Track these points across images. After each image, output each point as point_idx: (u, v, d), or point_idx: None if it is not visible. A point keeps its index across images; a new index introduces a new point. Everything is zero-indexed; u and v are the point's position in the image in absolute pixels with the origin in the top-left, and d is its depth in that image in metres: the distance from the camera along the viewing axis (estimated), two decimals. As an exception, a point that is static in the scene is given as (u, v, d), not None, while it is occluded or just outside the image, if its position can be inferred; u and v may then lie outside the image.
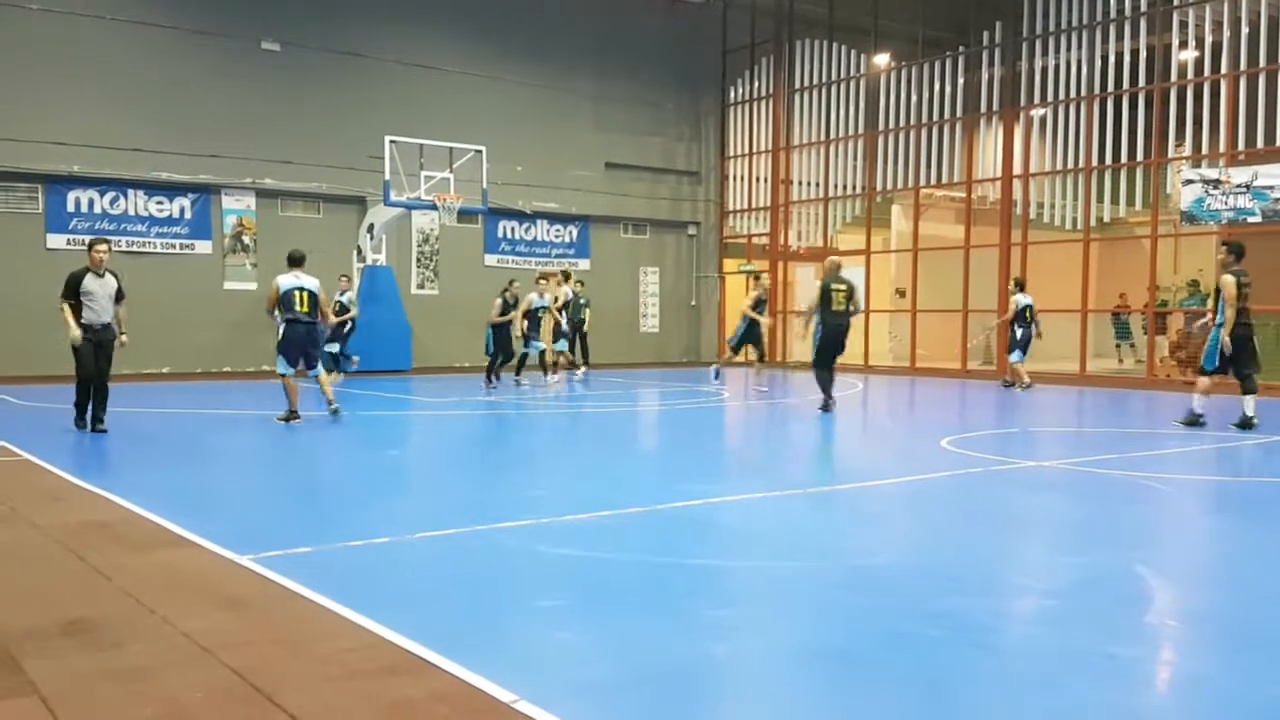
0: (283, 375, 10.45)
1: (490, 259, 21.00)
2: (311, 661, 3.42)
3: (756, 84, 23.17)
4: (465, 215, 19.02)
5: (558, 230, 21.85)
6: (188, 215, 17.94)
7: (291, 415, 10.30)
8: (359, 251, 18.39)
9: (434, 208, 17.39)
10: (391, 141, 16.80)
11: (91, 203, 17.10)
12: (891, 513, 6.39)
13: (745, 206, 23.61)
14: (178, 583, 4.44)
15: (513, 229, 21.25)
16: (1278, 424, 10.82)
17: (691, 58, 23.03)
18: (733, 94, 23.68)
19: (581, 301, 18.45)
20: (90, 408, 9.44)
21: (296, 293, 10.30)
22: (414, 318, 18.84)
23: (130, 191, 17.25)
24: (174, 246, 17.62)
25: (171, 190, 17.68)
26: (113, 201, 17.16)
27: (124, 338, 9.58)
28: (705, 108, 23.55)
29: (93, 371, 9.32)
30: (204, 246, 18.06)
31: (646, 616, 4.01)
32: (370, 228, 18.24)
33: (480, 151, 17.71)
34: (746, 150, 23.45)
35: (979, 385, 17.62)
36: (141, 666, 3.36)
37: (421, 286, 20.16)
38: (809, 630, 3.96)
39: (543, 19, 20.91)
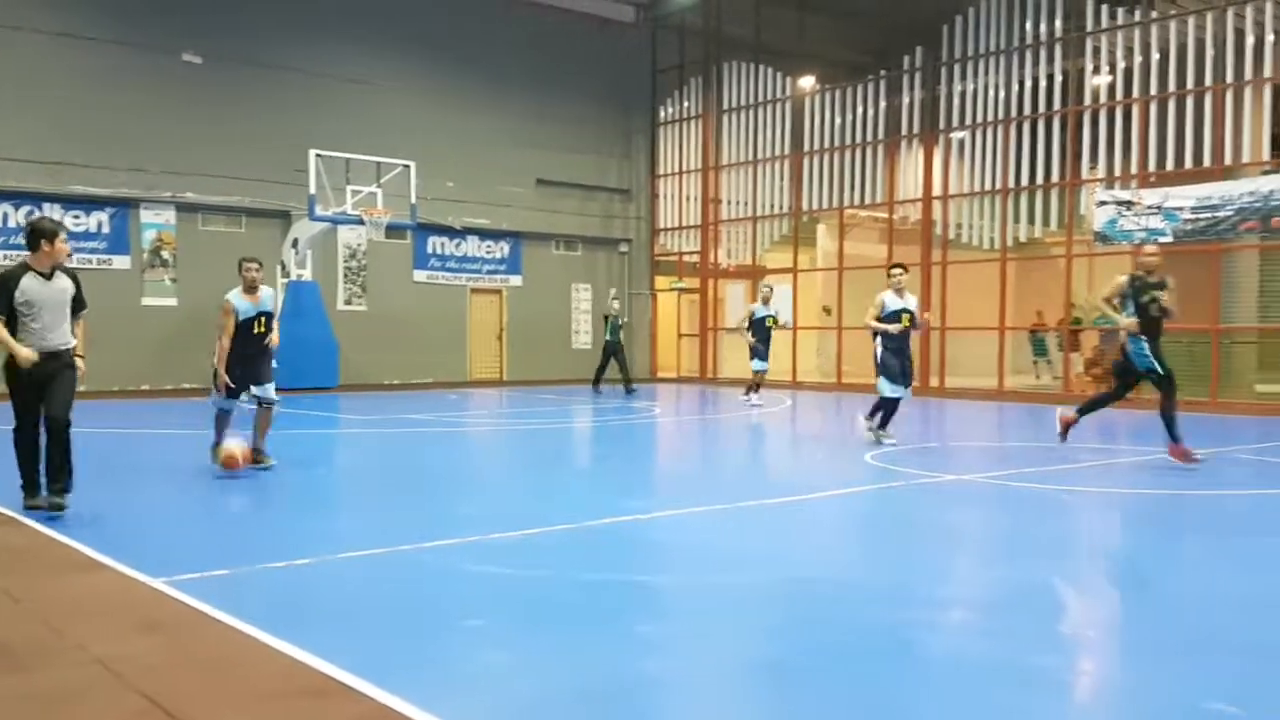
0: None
1: (420, 274, 20.81)
2: (227, 686, 3.35)
3: (686, 104, 23.41)
4: (394, 230, 18.83)
5: (489, 246, 21.75)
6: (105, 230, 17.46)
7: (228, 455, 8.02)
8: (283, 266, 18.09)
9: (361, 222, 17.19)
10: (316, 155, 16.56)
11: (5, 216, 16.55)
12: (818, 527, 6.48)
13: (676, 224, 23.78)
14: (91, 607, 4.31)
15: (443, 244, 21.09)
16: (1194, 438, 11.19)
17: (623, 77, 23.18)
18: (663, 113, 23.88)
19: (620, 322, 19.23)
20: (44, 470, 6.38)
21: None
22: (341, 334, 18.56)
23: (45, 205, 16.71)
24: (90, 261, 17.08)
25: (89, 204, 17.20)
26: (27, 215, 16.63)
27: (82, 364, 6.57)
28: (636, 126, 23.70)
29: (34, 418, 6.35)
30: (122, 262, 17.59)
31: (576, 634, 4.00)
32: (294, 242, 17.95)
33: (409, 166, 17.57)
34: (677, 169, 23.66)
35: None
36: (52, 692, 3.26)
37: (349, 302, 19.88)
38: (741, 645, 4.00)
39: (474, 35, 20.86)
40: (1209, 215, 15.37)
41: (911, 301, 10.48)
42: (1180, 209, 15.68)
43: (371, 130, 18.93)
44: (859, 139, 20.23)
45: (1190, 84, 15.73)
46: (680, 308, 24.81)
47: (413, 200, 17.62)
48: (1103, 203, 16.61)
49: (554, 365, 22.08)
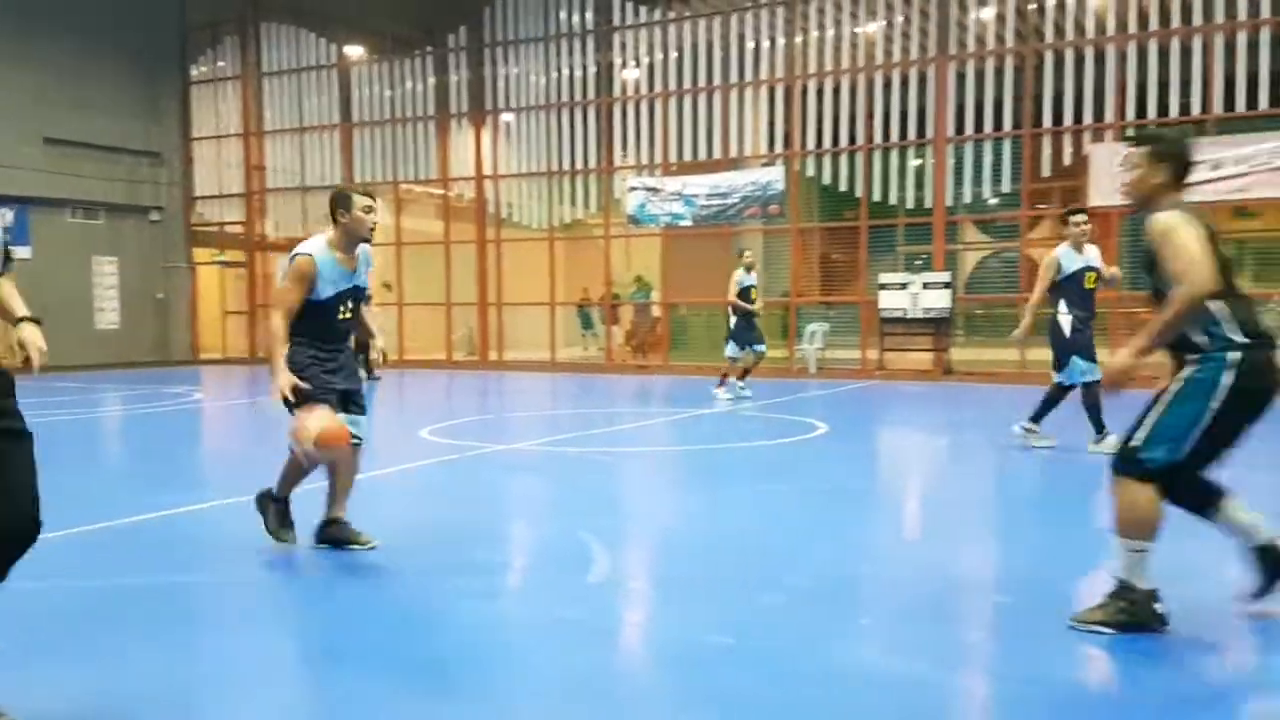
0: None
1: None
2: None
3: (221, 64, 21.84)
4: None
5: (-17, 214, 18.74)
6: None
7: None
8: None
9: None
10: None
11: None
12: (374, 504, 6.49)
13: (216, 193, 22.15)
14: None
15: (-80, 211, 17.82)
16: (698, 397, 12.70)
17: (150, 30, 21.01)
18: (195, 72, 22.07)
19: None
20: None
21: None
22: None
23: None
24: None
25: None
26: None
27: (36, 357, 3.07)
28: (165, 86, 21.64)
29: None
30: None
31: (75, 652, 3.70)
32: None
33: None
34: (215, 132, 22.01)
35: (464, 375, 18.40)
36: None
37: None
38: (286, 633, 3.94)
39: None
40: (720, 202, 17.43)
41: (1094, 255, 8.00)
42: (697, 195, 17.61)
43: None
44: (410, 113, 20.20)
45: (703, 82, 17.64)
46: (225, 283, 23.22)
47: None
48: (634, 188, 18.17)
49: (74, 350, 19.63)
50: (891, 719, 3.08)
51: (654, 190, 18.01)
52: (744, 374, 12.99)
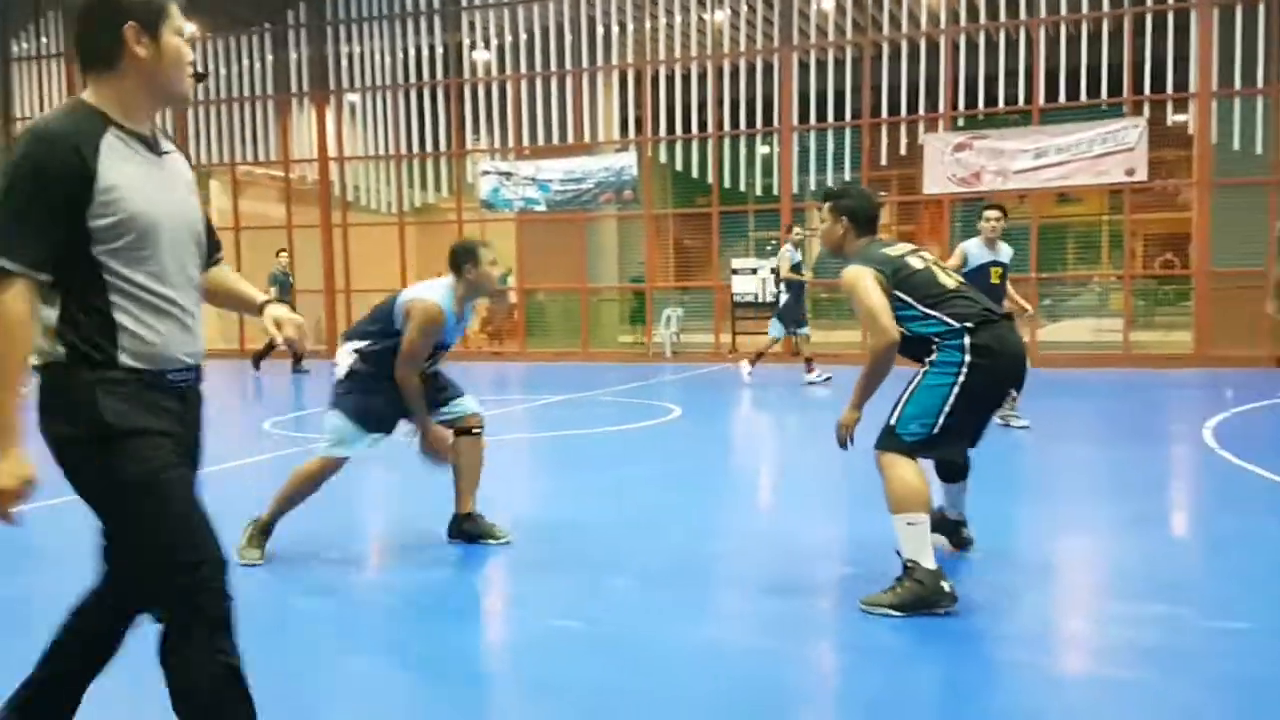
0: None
1: None
2: None
3: (44, 40, 20.39)
4: None
5: None
6: None
7: None
8: None
9: None
10: None
11: None
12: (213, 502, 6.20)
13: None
14: None
15: None
16: (568, 385, 12.66)
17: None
18: (16, 50, 20.55)
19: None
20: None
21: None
22: None
23: None
24: None
25: None
26: None
27: (292, 331, 2.65)
28: (-24, 59, 20.08)
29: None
30: None
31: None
32: None
33: None
34: (38, 113, 20.54)
35: (311, 365, 17.78)
36: None
37: None
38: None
39: None
40: (575, 187, 17.37)
41: (1006, 252, 8.12)
42: (551, 180, 17.50)
43: None
44: (249, 93, 19.34)
45: (554, 65, 17.52)
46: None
47: None
48: (486, 172, 17.91)
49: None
50: (740, 695, 3.14)
51: (507, 175, 17.81)
52: (758, 357, 12.87)
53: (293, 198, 19.55)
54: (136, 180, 2.16)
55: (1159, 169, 16.05)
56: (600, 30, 17.30)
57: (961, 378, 3.85)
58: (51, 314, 2.13)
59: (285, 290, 15.55)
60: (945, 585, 3.77)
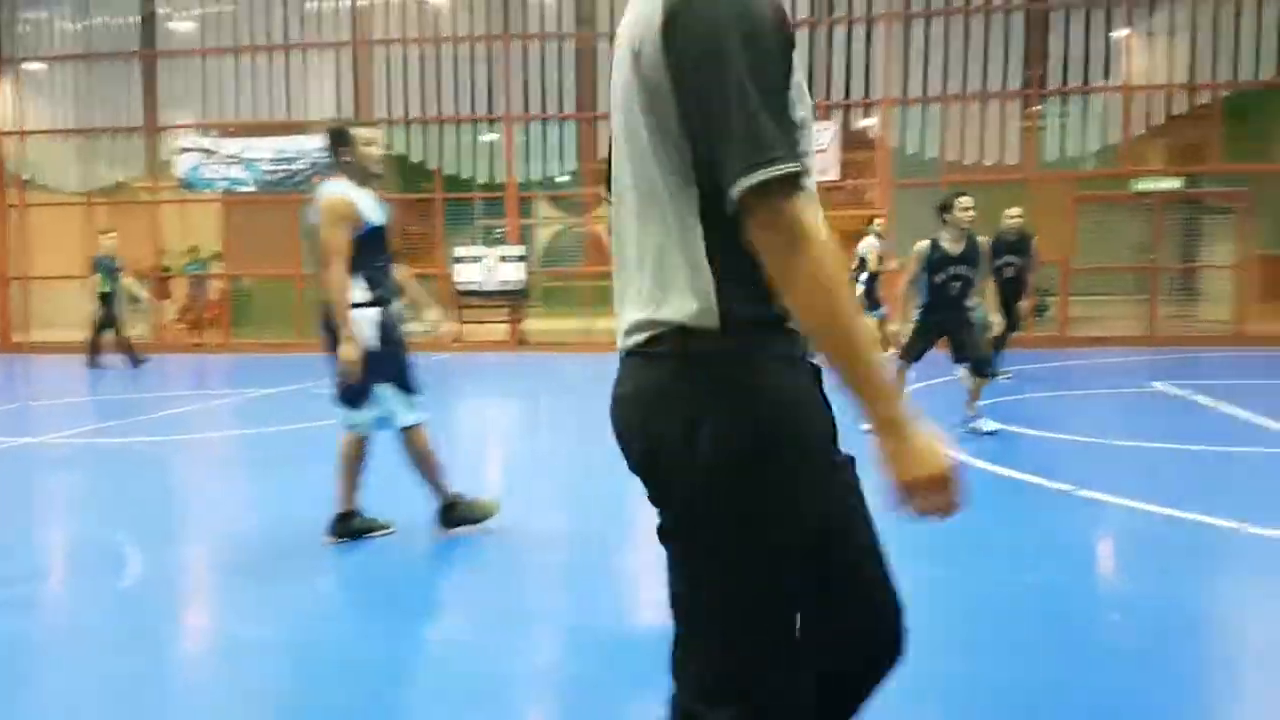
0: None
1: None
2: None
3: None
4: None
5: None
6: None
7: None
8: None
9: None
10: None
11: None
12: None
13: None
14: None
15: None
16: (261, 377, 12.07)
17: None
18: None
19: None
20: None
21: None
22: None
23: None
24: None
25: None
26: None
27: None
28: None
29: None
30: None
31: None
32: None
33: None
34: None
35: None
36: None
37: None
38: None
39: None
40: (286, 167, 16.55)
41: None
42: (260, 160, 16.58)
43: None
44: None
45: (261, 40, 16.55)
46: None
47: None
48: (186, 150, 16.70)
49: None
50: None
51: (209, 153, 16.69)
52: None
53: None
54: None
55: (849, 169, 17.43)
56: (312, 4, 16.56)
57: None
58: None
59: None
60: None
